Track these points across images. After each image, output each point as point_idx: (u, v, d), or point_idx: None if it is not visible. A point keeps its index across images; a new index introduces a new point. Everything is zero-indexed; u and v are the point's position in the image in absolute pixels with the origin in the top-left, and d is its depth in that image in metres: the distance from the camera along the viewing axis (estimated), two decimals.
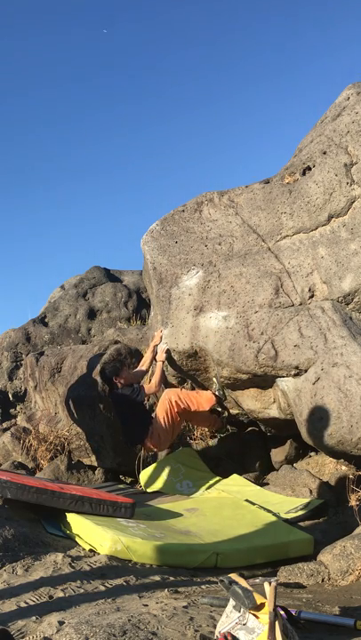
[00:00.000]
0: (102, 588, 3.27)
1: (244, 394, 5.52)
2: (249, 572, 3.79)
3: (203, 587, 3.41)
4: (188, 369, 5.72)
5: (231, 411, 5.98)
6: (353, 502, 4.65)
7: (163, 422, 5.50)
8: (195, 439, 6.36)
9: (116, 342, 6.99)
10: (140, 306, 9.80)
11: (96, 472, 6.16)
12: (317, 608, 2.97)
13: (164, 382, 5.90)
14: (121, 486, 5.82)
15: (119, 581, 3.38)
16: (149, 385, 5.68)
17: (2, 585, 3.30)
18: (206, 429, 6.26)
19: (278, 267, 5.42)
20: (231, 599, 2.41)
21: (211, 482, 5.48)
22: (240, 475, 5.49)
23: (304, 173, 5.64)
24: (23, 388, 8.51)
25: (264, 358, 5.07)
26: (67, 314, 9.62)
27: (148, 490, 5.43)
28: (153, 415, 5.64)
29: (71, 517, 4.24)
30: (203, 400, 5.60)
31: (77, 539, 4.08)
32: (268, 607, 2.28)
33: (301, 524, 4.60)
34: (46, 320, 9.58)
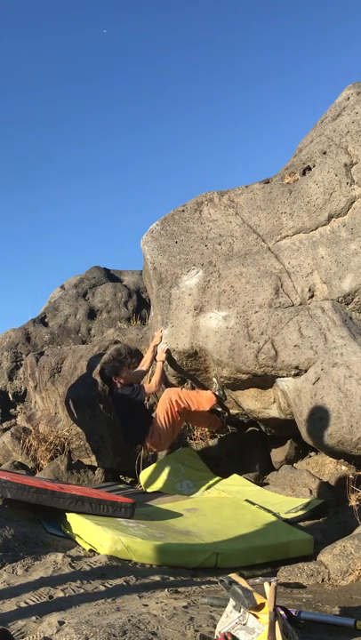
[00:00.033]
0: (102, 588, 3.27)
1: (244, 394, 5.52)
2: (249, 572, 3.79)
3: (203, 587, 3.41)
4: (188, 369, 5.72)
5: (231, 411, 5.98)
6: (353, 502, 4.65)
7: (163, 422, 5.50)
8: (195, 439, 6.36)
9: (116, 342, 6.99)
10: (140, 306, 9.80)
11: (96, 472, 6.16)
12: (317, 608, 2.97)
13: (165, 382, 5.90)
14: (121, 486, 5.82)
15: (119, 581, 3.38)
16: (150, 385, 5.68)
17: (2, 585, 3.30)
18: (206, 429, 6.26)
19: (278, 267, 5.42)
20: (231, 599, 2.41)
21: (211, 482, 5.48)
22: (240, 475, 5.49)
23: (304, 173, 5.65)
24: (23, 388, 8.51)
25: (264, 358, 5.07)
26: (67, 314, 9.62)
27: (148, 490, 5.43)
28: (153, 415, 5.64)
29: (71, 517, 4.24)
30: (203, 400, 5.60)
31: (77, 539, 4.08)
32: (268, 607, 2.28)
33: (301, 523, 4.60)
34: (46, 320, 9.58)
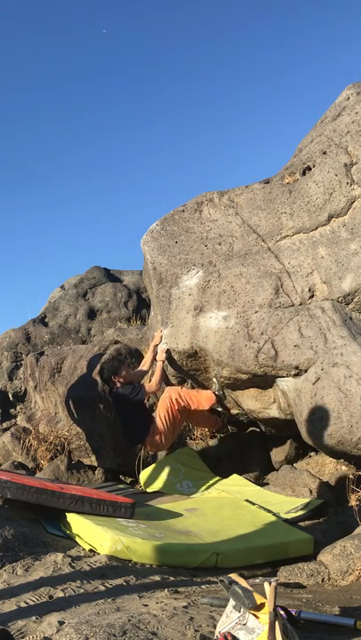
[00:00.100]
0: (102, 588, 3.27)
1: (244, 394, 5.52)
2: (249, 572, 3.79)
3: (203, 587, 3.41)
4: (188, 369, 5.72)
5: (231, 411, 5.98)
6: (353, 502, 4.65)
7: (164, 420, 5.50)
8: (195, 439, 6.36)
9: (116, 342, 6.99)
10: (140, 306, 9.80)
11: (96, 472, 6.16)
12: (317, 608, 2.97)
13: (165, 381, 5.90)
14: (121, 486, 5.82)
15: (119, 581, 3.38)
16: (150, 384, 5.68)
17: (2, 585, 3.30)
18: (206, 429, 6.26)
19: (278, 267, 5.42)
20: (231, 599, 2.41)
21: (211, 482, 5.48)
22: (240, 475, 5.49)
23: (304, 173, 5.64)
24: (23, 388, 8.51)
25: (264, 358, 5.07)
26: (67, 314, 9.62)
27: (148, 490, 5.43)
28: (153, 414, 5.65)
29: (71, 517, 4.24)
30: (203, 399, 5.60)
31: (77, 539, 4.08)
32: (268, 607, 2.28)
33: (301, 523, 4.60)
34: (46, 320, 9.58)
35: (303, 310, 5.18)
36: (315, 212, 5.43)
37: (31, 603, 3.04)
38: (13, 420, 8.20)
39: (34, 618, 2.82)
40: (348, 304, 5.22)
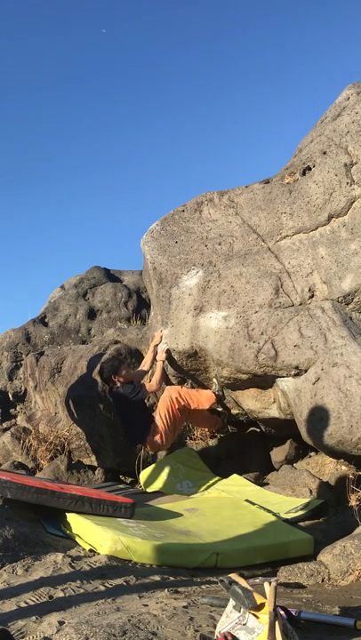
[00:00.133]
0: (102, 588, 3.27)
1: (244, 394, 5.52)
2: (249, 572, 3.79)
3: (203, 587, 3.41)
4: (188, 369, 5.72)
5: (231, 411, 5.98)
6: (353, 502, 4.65)
7: (164, 420, 5.50)
8: (195, 439, 6.36)
9: (116, 342, 6.99)
10: (140, 306, 9.80)
11: (96, 472, 6.16)
12: (317, 608, 2.97)
13: (165, 381, 5.90)
14: (121, 486, 5.82)
15: (119, 581, 3.38)
16: (150, 383, 5.68)
17: (2, 585, 3.30)
18: (206, 429, 6.26)
19: (278, 267, 5.42)
20: (231, 599, 2.41)
21: (211, 482, 5.48)
22: (240, 475, 5.49)
23: (304, 173, 5.64)
24: (23, 388, 8.51)
25: (264, 358, 5.07)
26: (67, 314, 9.62)
27: (148, 490, 5.43)
28: (154, 414, 5.65)
29: (71, 517, 4.24)
30: (203, 399, 5.60)
31: (77, 539, 4.08)
32: (268, 607, 2.28)
33: (301, 523, 4.59)
34: (46, 320, 9.58)
35: (303, 310, 5.18)
36: (315, 212, 5.43)
37: (31, 603, 3.04)
38: (13, 420, 8.20)
39: (34, 618, 2.82)
40: (348, 304, 5.22)
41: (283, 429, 5.68)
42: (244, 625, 2.32)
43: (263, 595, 2.33)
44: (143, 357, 6.18)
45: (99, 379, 6.15)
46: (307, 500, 4.84)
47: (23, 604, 3.01)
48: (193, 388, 5.91)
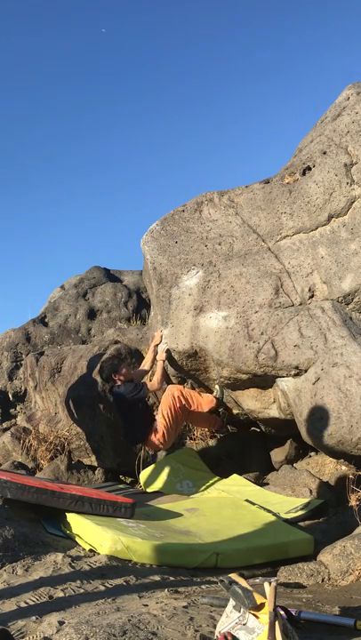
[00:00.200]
0: (102, 588, 3.27)
1: (244, 394, 5.52)
2: (249, 571, 3.79)
3: (203, 587, 3.41)
4: (188, 369, 5.72)
5: (232, 411, 5.98)
6: (353, 502, 4.65)
7: (166, 418, 5.49)
8: (195, 439, 6.36)
9: (116, 342, 6.99)
10: (140, 306, 9.80)
11: (96, 472, 6.16)
12: (317, 608, 2.97)
13: (166, 380, 5.91)
14: (121, 486, 5.82)
15: (119, 581, 3.38)
16: (152, 382, 5.68)
17: (2, 585, 3.30)
18: (206, 429, 6.26)
19: (278, 267, 5.42)
20: (231, 599, 2.40)
21: (211, 482, 5.48)
22: (240, 475, 5.49)
23: (304, 173, 5.64)
24: (23, 388, 8.51)
25: (264, 358, 5.07)
26: (67, 314, 9.62)
27: (148, 490, 5.43)
28: (155, 413, 5.65)
29: (71, 517, 4.24)
30: (203, 401, 5.61)
31: (77, 539, 4.08)
32: (268, 607, 2.28)
33: (301, 523, 4.59)
34: (46, 320, 9.58)
35: (303, 310, 5.18)
36: (315, 212, 5.43)
37: (31, 603, 3.04)
38: (13, 420, 8.20)
39: (34, 618, 2.82)
40: (348, 304, 5.22)
41: (283, 429, 5.68)
42: (244, 625, 2.32)
43: (263, 595, 2.33)
44: (143, 357, 6.18)
45: (99, 379, 6.15)
46: (307, 500, 4.84)
47: (23, 604, 3.01)
48: (194, 388, 5.92)
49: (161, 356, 5.66)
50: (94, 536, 3.96)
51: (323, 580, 3.60)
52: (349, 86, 5.94)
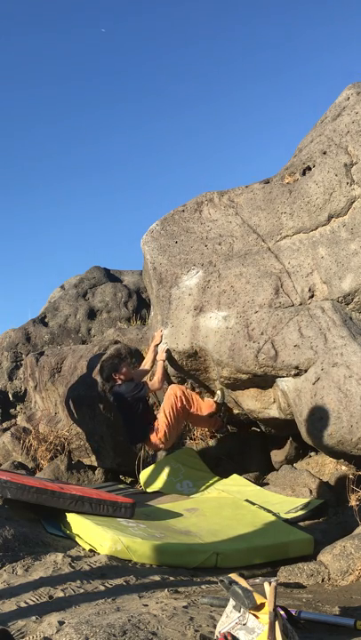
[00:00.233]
0: (102, 588, 3.26)
1: (244, 394, 5.52)
2: (249, 571, 3.79)
3: (203, 587, 3.41)
4: (188, 369, 5.72)
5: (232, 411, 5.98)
6: (353, 502, 4.65)
7: (168, 417, 5.49)
8: (195, 439, 6.36)
9: (116, 342, 6.99)
10: (140, 306, 9.80)
11: (96, 472, 6.16)
12: (317, 608, 2.97)
13: (167, 380, 5.91)
14: (121, 486, 5.82)
15: (119, 581, 3.38)
16: (152, 382, 5.69)
17: (2, 585, 3.30)
18: (206, 429, 6.26)
19: (278, 267, 5.42)
20: (231, 599, 2.40)
21: (211, 482, 5.48)
22: (240, 475, 5.49)
23: (304, 173, 5.64)
24: (23, 388, 8.51)
25: (264, 358, 5.07)
26: (67, 314, 9.62)
27: (148, 490, 5.43)
28: (156, 413, 5.65)
29: (71, 517, 4.24)
30: (203, 405, 5.62)
31: (77, 539, 4.08)
32: (268, 607, 2.28)
33: (301, 523, 4.59)
34: (46, 320, 9.58)
35: (303, 310, 5.18)
36: (315, 212, 5.43)
37: (31, 603, 3.04)
38: (13, 420, 8.20)
39: (34, 618, 2.82)
40: (348, 304, 5.22)
41: (283, 429, 5.68)
42: (244, 625, 2.32)
43: (263, 595, 2.33)
44: (143, 357, 6.18)
45: (99, 378, 6.15)
46: (307, 500, 4.84)
47: (23, 604, 3.01)
48: (194, 389, 5.92)
49: (161, 356, 5.66)
50: (94, 536, 3.96)
51: (323, 580, 3.60)
52: (349, 86, 5.94)
